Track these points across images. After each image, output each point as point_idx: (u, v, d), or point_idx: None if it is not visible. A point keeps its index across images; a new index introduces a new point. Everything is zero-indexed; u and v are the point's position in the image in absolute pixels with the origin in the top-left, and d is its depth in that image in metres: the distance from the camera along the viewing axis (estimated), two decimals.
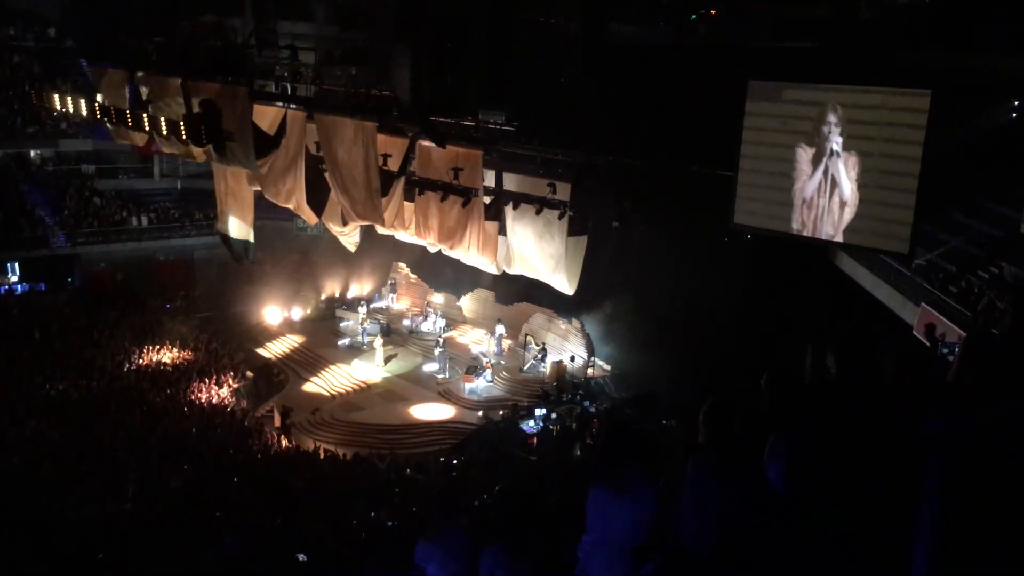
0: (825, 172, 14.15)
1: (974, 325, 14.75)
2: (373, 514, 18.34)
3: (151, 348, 28.80)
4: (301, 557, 14.90)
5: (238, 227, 24.09)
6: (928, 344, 13.33)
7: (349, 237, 22.89)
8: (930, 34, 16.68)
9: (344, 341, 32.96)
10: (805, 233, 14.82)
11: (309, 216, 21.64)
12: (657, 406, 24.37)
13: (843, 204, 14.08)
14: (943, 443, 3.35)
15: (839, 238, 14.57)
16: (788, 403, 4.48)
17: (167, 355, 28.65)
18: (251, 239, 23.89)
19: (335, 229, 22.51)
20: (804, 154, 14.48)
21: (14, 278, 33.40)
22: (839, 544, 3.78)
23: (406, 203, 19.78)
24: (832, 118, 13.83)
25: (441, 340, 30.86)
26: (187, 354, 29.04)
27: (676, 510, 4.25)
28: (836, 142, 13.83)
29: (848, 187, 13.91)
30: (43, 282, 33.59)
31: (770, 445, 4.12)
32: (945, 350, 11.93)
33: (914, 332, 16.38)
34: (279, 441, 24.86)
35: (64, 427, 21.84)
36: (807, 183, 14.53)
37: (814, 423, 4.09)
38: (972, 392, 3.94)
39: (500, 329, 31.14)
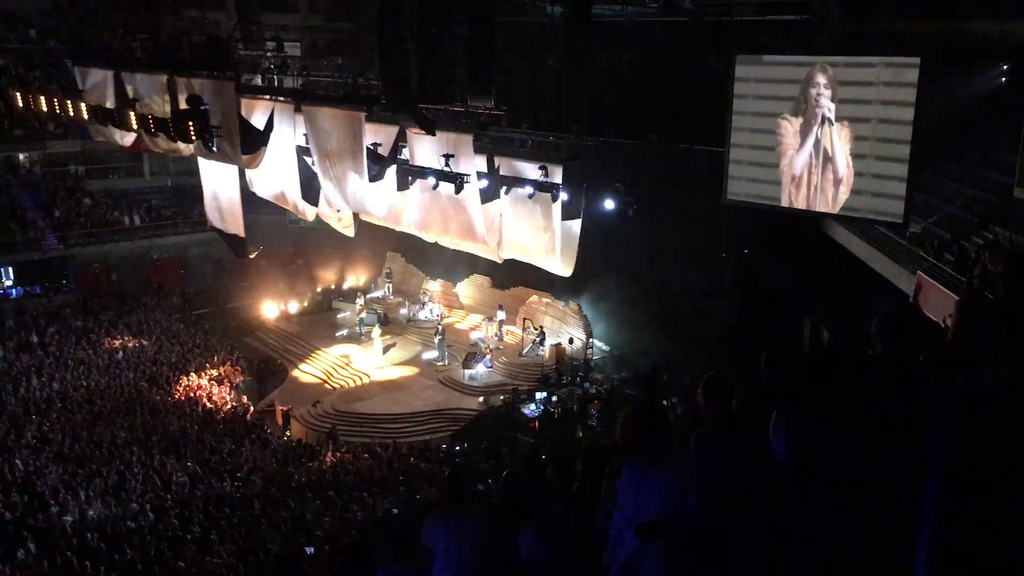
0: (816, 144, 14.12)
1: (967, 289, 14.74)
2: (377, 503, 18.39)
3: (148, 347, 28.75)
4: (308, 550, 14.94)
5: (228, 223, 24.03)
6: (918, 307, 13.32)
7: (343, 224, 22.80)
8: (916, 2, 16.65)
9: (342, 332, 32.95)
10: (798, 206, 14.82)
11: (303, 212, 21.54)
12: (658, 384, 24.43)
13: (837, 178, 14.05)
14: (943, 410, 3.34)
15: (833, 210, 14.57)
16: (788, 377, 4.47)
17: (165, 353, 28.59)
18: (242, 234, 23.81)
19: (328, 217, 22.43)
20: (792, 126, 14.45)
21: (8, 282, 33.35)
22: (845, 516, 3.78)
23: (400, 193, 19.70)
24: (822, 80, 13.79)
25: (440, 328, 30.85)
26: (185, 351, 28.99)
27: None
28: (828, 108, 13.80)
29: (842, 159, 13.89)
30: (38, 285, 33.54)
31: (774, 420, 4.12)
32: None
33: (910, 300, 16.37)
34: (281, 435, 24.92)
35: (65, 429, 21.83)
36: (796, 157, 14.50)
37: (814, 396, 4.08)
38: (970, 355, 3.94)
39: (501, 314, 31.13)
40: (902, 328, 3.95)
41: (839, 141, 13.89)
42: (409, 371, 29.38)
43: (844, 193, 14.13)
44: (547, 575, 5.50)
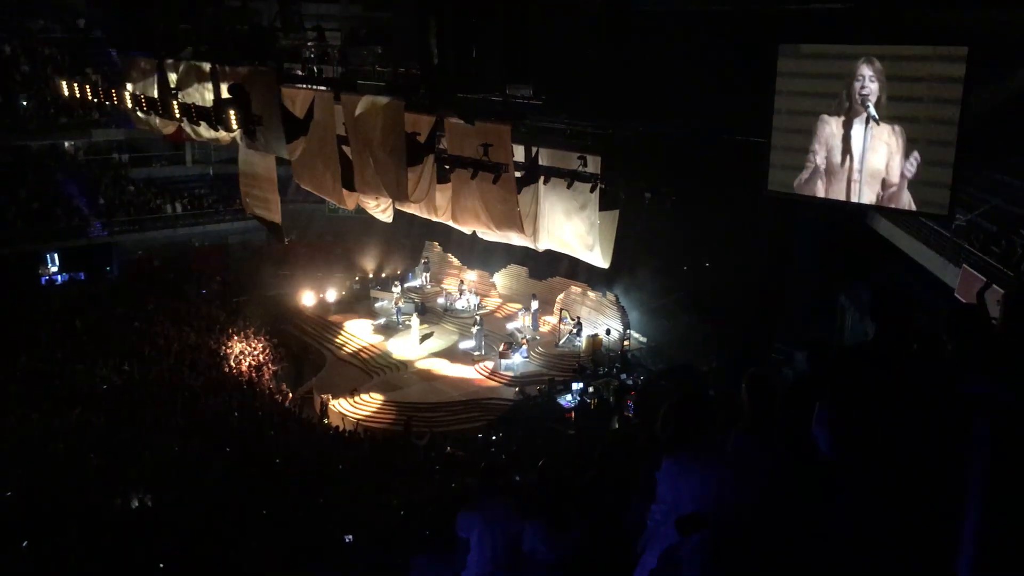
0: (860, 136, 13.86)
1: (1015, 282, 14.48)
2: (414, 491, 18.45)
3: (190, 333, 29.09)
4: (348, 538, 15.03)
5: (265, 211, 24.21)
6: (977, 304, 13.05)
7: (380, 209, 22.83)
8: None
9: (379, 321, 33.11)
10: (840, 198, 14.57)
11: (343, 201, 21.61)
12: (694, 378, 24.28)
13: (879, 168, 13.79)
14: (989, 405, 3.27)
15: (877, 202, 14.31)
16: (830, 371, 4.41)
17: (206, 340, 28.89)
18: (278, 220, 23.98)
19: (367, 205, 22.49)
20: (835, 119, 14.18)
21: (54, 268, 33.89)
22: (887, 512, 3.72)
23: (439, 187, 19.71)
24: (867, 72, 13.50)
25: (478, 318, 30.90)
26: (225, 338, 29.29)
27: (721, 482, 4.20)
28: (870, 104, 13.52)
29: (884, 151, 13.63)
30: (82, 271, 34.07)
31: (816, 413, 4.05)
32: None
33: (955, 295, 16.11)
34: (319, 423, 25.10)
35: (107, 414, 22.14)
36: (841, 148, 14.25)
37: (858, 388, 4.01)
38: (1017, 351, 3.85)
39: (535, 304, 31.12)
40: (970, 328, 3.89)
41: (881, 132, 13.61)
42: (446, 360, 29.46)
43: (885, 180, 13.84)
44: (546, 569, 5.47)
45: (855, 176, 14.09)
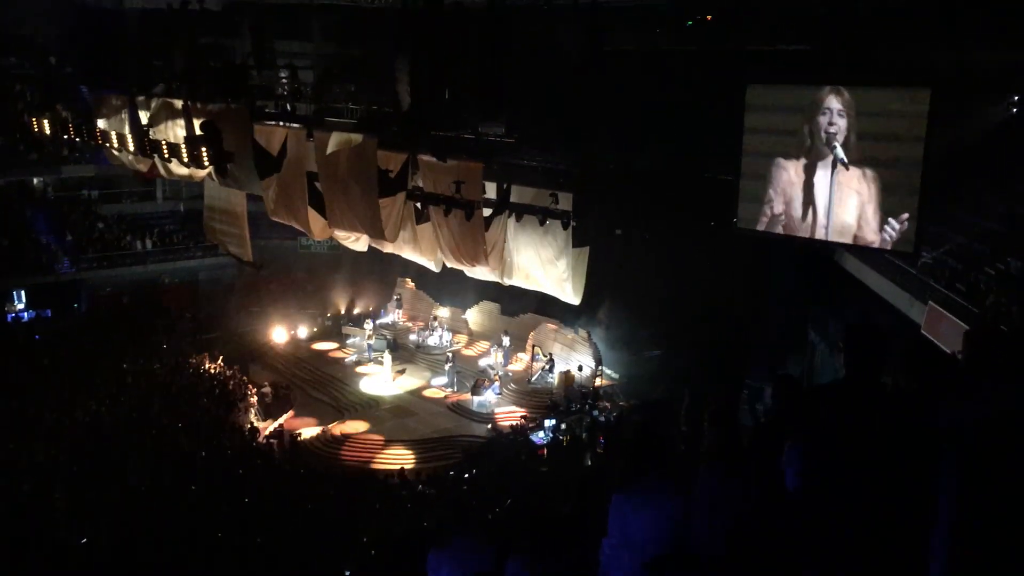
0: (826, 176, 14.03)
1: (980, 319, 14.67)
2: (385, 530, 18.28)
3: (159, 370, 28.76)
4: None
5: (236, 246, 24.16)
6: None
7: (352, 240, 22.82)
8: (928, 30, 16.69)
9: (351, 358, 32.93)
10: (805, 235, 14.73)
11: (318, 232, 21.59)
12: (669, 413, 24.28)
13: (850, 222, 13.91)
14: (956, 435, 3.32)
15: (843, 240, 14.48)
16: (800, 406, 4.45)
17: (175, 377, 28.58)
18: (250, 257, 23.89)
19: (340, 237, 22.48)
20: (801, 160, 14.34)
21: (20, 305, 33.44)
22: (856, 545, 3.75)
23: (409, 220, 19.78)
24: (835, 106, 13.66)
25: (451, 355, 30.84)
26: (194, 375, 28.99)
27: (690, 516, 4.22)
28: (836, 145, 13.70)
29: (851, 192, 13.80)
30: (49, 308, 33.60)
31: (786, 449, 4.09)
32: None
33: (922, 331, 16.30)
34: (289, 460, 24.82)
35: (75, 452, 21.79)
36: (806, 187, 14.41)
37: (827, 424, 4.06)
38: (982, 384, 3.92)
39: (506, 341, 31.12)
40: (924, 362, 3.95)
41: (847, 173, 13.74)
42: (418, 397, 29.32)
43: (851, 220, 13.99)
44: None
45: (820, 232, 14.16)
